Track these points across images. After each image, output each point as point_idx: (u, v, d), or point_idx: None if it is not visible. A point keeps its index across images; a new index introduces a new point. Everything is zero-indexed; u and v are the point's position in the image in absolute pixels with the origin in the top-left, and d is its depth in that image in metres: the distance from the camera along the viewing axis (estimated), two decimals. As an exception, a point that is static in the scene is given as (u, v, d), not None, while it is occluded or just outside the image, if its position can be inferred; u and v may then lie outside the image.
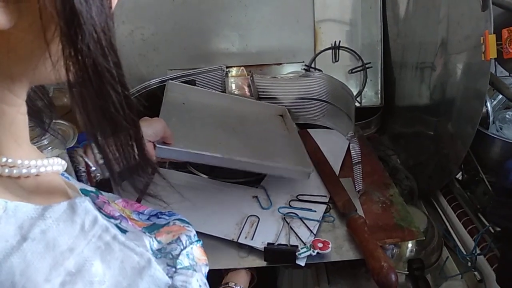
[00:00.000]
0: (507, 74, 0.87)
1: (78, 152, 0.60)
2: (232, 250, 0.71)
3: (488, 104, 0.84)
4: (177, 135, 0.73)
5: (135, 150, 0.32)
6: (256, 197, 0.82)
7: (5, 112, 0.29)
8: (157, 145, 0.69)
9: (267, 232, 0.74)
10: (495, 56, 0.67)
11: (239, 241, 0.72)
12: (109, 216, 0.37)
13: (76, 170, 0.59)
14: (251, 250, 0.71)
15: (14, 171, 0.30)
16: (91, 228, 0.29)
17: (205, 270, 0.40)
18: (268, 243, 0.70)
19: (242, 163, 0.76)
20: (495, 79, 0.78)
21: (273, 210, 0.79)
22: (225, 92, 1.10)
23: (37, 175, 0.32)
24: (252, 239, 0.72)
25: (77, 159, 0.59)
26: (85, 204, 0.29)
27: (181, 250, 0.38)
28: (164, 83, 0.99)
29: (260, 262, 0.69)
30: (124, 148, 0.32)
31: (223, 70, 1.08)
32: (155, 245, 0.37)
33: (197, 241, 0.41)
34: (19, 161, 0.30)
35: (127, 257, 0.30)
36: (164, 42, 1.14)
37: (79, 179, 0.59)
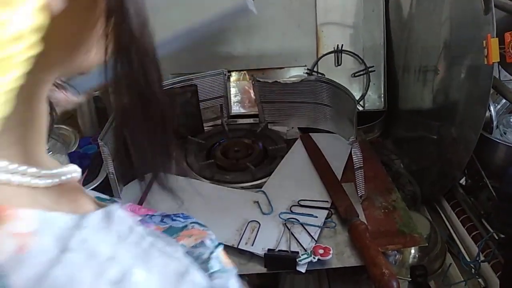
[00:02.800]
0: (511, 78, 0.86)
1: None
2: (232, 256, 0.71)
3: (492, 109, 0.83)
4: None
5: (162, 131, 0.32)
6: (257, 202, 0.82)
7: (41, 115, 0.29)
8: None
9: (268, 238, 0.73)
10: (498, 60, 0.66)
11: (239, 247, 0.71)
12: None
13: None
14: (251, 256, 0.71)
15: (42, 181, 0.29)
16: (128, 235, 0.28)
17: (235, 271, 0.40)
18: (269, 249, 0.69)
19: (185, 34, 0.73)
20: (499, 83, 0.77)
21: (274, 216, 0.78)
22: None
23: (59, 184, 0.32)
24: (252, 245, 0.71)
25: None
26: (120, 212, 0.29)
27: (210, 253, 0.38)
28: (166, 87, 0.99)
29: (260, 268, 0.69)
30: (152, 129, 0.31)
31: (225, 75, 1.08)
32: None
33: (219, 244, 0.41)
34: (43, 172, 0.30)
35: (167, 263, 0.29)
36: (166, 47, 1.14)
37: None
